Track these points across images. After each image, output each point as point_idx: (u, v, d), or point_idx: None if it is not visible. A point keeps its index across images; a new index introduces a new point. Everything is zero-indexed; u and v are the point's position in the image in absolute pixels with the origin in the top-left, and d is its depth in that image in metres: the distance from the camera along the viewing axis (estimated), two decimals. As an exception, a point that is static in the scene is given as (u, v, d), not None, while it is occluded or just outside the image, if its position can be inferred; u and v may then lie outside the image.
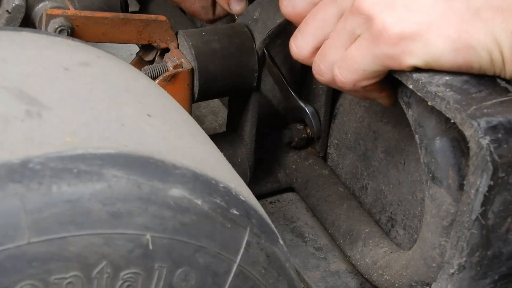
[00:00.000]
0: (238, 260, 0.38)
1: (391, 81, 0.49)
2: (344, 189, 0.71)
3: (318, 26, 0.49)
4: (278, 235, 0.42)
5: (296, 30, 0.51)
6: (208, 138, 0.47)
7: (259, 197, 0.73)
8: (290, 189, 0.76)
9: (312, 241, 0.70)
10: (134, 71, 0.49)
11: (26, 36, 0.46)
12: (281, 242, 0.42)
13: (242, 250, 0.38)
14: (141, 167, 0.35)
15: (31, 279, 0.33)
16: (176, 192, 0.36)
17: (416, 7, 0.43)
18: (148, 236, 0.35)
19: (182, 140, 0.41)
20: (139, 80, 0.47)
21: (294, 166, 0.75)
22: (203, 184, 0.37)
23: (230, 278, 0.38)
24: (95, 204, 0.33)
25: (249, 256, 0.38)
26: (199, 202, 0.36)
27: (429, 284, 0.53)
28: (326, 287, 0.63)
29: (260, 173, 0.75)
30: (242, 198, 0.39)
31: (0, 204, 0.32)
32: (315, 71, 0.50)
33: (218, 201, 0.37)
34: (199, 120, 0.87)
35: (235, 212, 0.38)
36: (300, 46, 0.50)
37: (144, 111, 0.41)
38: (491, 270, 0.47)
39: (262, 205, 0.72)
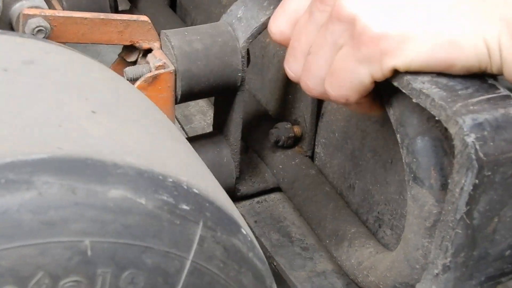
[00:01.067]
0: (191, 257, 0.37)
1: (379, 93, 0.48)
2: (331, 188, 0.70)
3: (304, 48, 0.49)
4: (240, 224, 0.41)
5: (287, 54, 0.51)
6: (170, 131, 0.46)
7: (246, 197, 0.74)
8: (278, 189, 0.75)
9: (298, 241, 0.69)
10: (90, 64, 0.48)
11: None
12: (244, 232, 0.41)
13: (195, 246, 0.37)
14: (77, 170, 0.34)
15: (-39, 297, 0.32)
16: (116, 193, 0.35)
17: (396, 7, 0.43)
18: (87, 242, 0.34)
19: (130, 136, 0.40)
20: (93, 74, 0.46)
21: (281, 166, 0.75)
22: (147, 181, 0.36)
23: (184, 276, 0.37)
24: (25, 214, 0.32)
25: (203, 251, 0.38)
26: (142, 201, 0.35)
27: (413, 286, 0.52)
28: (312, 287, 0.63)
29: (247, 173, 0.75)
30: (195, 191, 0.38)
31: None
32: (304, 88, 0.50)
33: (165, 198, 0.36)
34: (188, 120, 0.86)
35: (184, 207, 0.37)
36: (293, 69, 0.50)
37: (89, 108, 0.40)
38: (478, 271, 0.45)
39: (249, 205, 0.73)
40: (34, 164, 0.33)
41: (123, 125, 0.40)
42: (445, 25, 0.42)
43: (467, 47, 0.42)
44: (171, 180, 0.37)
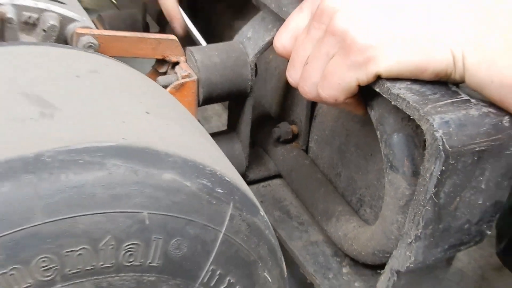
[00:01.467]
0: (223, 230, 0.38)
1: (363, 97, 0.48)
2: (322, 176, 0.70)
3: (302, 60, 0.48)
4: (259, 208, 0.41)
5: (288, 64, 0.51)
6: (202, 131, 0.46)
7: (253, 182, 0.74)
8: (279, 176, 0.76)
9: (296, 217, 0.69)
10: (140, 76, 0.48)
11: (46, 49, 0.45)
12: (262, 214, 0.41)
13: (226, 222, 0.37)
14: (138, 156, 0.35)
15: (46, 253, 0.32)
16: (168, 176, 0.35)
17: (379, 23, 0.43)
18: (145, 214, 0.34)
19: (176, 133, 0.40)
20: (143, 83, 0.46)
21: (281, 157, 0.75)
22: (191, 168, 0.36)
23: (217, 245, 0.37)
24: (98, 188, 0.33)
25: (232, 226, 0.38)
26: (187, 183, 0.36)
27: (388, 253, 0.52)
28: (307, 254, 0.63)
29: (254, 163, 0.75)
30: (227, 179, 0.39)
31: (16, 192, 0.31)
32: (301, 92, 0.50)
33: (205, 182, 0.37)
34: (206, 120, 0.87)
35: (219, 190, 0.37)
36: (293, 77, 0.50)
37: (143, 109, 0.40)
38: (442, 241, 0.46)
39: (256, 188, 0.73)
40: (105, 149, 0.34)
41: (169, 123, 0.41)
42: (418, 38, 0.41)
43: (436, 55, 0.41)
44: (209, 169, 0.38)
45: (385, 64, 0.42)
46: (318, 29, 0.46)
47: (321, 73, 0.46)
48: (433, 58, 0.42)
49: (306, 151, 0.74)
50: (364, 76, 0.43)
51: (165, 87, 0.63)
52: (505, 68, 0.40)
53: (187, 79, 0.62)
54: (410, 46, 0.42)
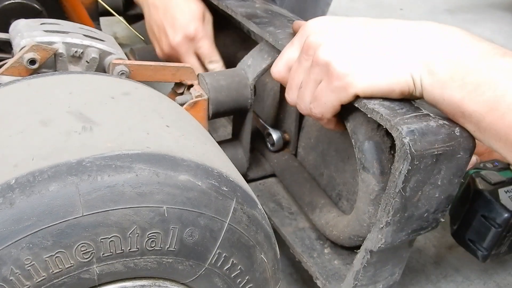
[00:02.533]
0: (228, 221, 0.37)
1: (340, 114, 0.48)
2: (308, 175, 0.70)
3: (296, 84, 0.49)
4: (257, 202, 0.41)
5: (286, 88, 0.51)
6: (211, 140, 0.46)
7: (252, 180, 0.73)
8: (273, 175, 0.75)
9: (287, 208, 0.69)
10: (162, 97, 0.48)
11: (88, 77, 0.45)
12: (259, 207, 0.41)
13: (230, 214, 0.37)
14: (159, 161, 0.34)
15: (85, 240, 0.32)
16: (183, 177, 0.35)
17: (354, 55, 0.43)
18: (164, 208, 0.34)
19: (190, 142, 0.39)
20: (164, 103, 0.46)
21: (275, 160, 0.75)
22: (202, 171, 0.36)
23: (223, 233, 0.37)
24: (127, 187, 0.33)
25: (235, 217, 0.37)
26: (199, 183, 0.35)
27: (361, 237, 0.52)
28: (296, 238, 0.62)
29: (253, 165, 0.75)
30: (231, 179, 0.38)
31: (62, 190, 0.31)
32: (299, 109, 0.50)
33: (213, 182, 0.36)
34: (214, 130, 0.85)
35: (225, 188, 0.37)
36: (291, 98, 0.50)
37: (164, 123, 0.40)
38: (406, 226, 0.46)
39: (254, 185, 0.72)
40: (133, 156, 0.34)
41: (185, 135, 0.40)
42: (386, 65, 0.42)
43: (400, 79, 0.42)
44: (216, 171, 0.37)
45: (361, 87, 0.42)
46: (307, 60, 0.47)
47: (312, 95, 0.47)
48: (398, 81, 0.42)
49: (295, 155, 0.74)
50: (345, 97, 0.44)
51: (182, 104, 0.63)
52: (452, 90, 0.40)
53: (199, 98, 0.63)
54: (380, 73, 0.42)
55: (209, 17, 0.73)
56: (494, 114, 0.37)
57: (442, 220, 0.47)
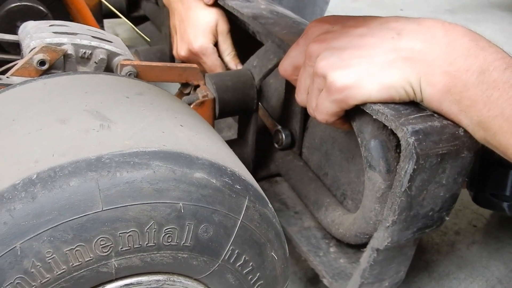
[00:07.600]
0: (241, 218, 0.38)
1: (346, 112, 0.49)
2: (313, 174, 0.70)
3: (304, 87, 0.50)
4: (268, 201, 0.42)
5: (296, 90, 0.52)
6: (221, 140, 0.46)
7: (258, 179, 0.73)
8: (279, 174, 0.75)
9: (292, 208, 0.69)
10: (173, 97, 0.49)
11: (102, 77, 0.46)
12: (270, 206, 0.41)
13: (243, 212, 0.37)
14: (175, 159, 0.35)
15: (104, 234, 0.33)
16: (198, 175, 0.35)
17: (350, 65, 0.43)
18: (180, 204, 0.34)
19: (203, 141, 0.40)
20: (176, 103, 0.46)
21: (281, 160, 0.75)
22: (216, 169, 0.37)
23: (236, 230, 0.38)
24: (144, 184, 0.33)
25: (248, 215, 0.38)
26: (213, 181, 0.36)
27: (367, 234, 0.52)
28: (301, 237, 0.63)
29: (259, 164, 0.75)
30: (243, 178, 0.39)
31: (82, 186, 0.32)
32: (308, 111, 0.51)
33: (227, 180, 0.37)
34: (219, 130, 0.86)
35: (238, 187, 0.37)
36: (301, 99, 0.51)
37: (178, 122, 0.41)
38: (412, 225, 0.46)
39: (261, 184, 0.71)
40: (150, 153, 0.34)
41: (198, 134, 0.41)
42: (385, 76, 0.42)
43: (399, 89, 0.42)
44: (229, 170, 0.38)
45: (360, 99, 0.43)
46: (311, 67, 0.48)
47: (315, 101, 0.48)
48: (397, 92, 0.43)
49: (300, 155, 0.74)
50: (346, 106, 0.45)
51: (190, 104, 0.63)
52: (449, 103, 0.41)
53: (206, 98, 0.63)
54: (379, 84, 0.42)
55: (223, 28, 0.75)
56: (486, 133, 0.38)
57: (447, 218, 0.48)
